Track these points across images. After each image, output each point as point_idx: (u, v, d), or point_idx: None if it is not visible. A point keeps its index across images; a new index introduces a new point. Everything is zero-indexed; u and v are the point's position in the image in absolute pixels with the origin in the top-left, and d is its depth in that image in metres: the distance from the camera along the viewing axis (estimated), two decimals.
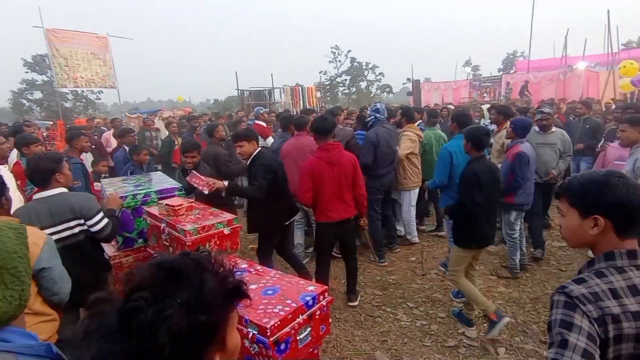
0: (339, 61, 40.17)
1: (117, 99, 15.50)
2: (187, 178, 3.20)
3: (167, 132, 11.06)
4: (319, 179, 3.27)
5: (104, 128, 9.68)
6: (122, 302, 0.63)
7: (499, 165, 4.32)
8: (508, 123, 4.79)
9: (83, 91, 30.55)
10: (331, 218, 3.37)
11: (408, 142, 4.67)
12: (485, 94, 20.70)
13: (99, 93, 28.39)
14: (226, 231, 2.54)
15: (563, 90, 16.45)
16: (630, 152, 3.39)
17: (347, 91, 41.17)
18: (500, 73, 27.97)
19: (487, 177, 3.01)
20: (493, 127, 5.63)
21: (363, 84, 41.01)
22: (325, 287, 1.86)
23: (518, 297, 3.71)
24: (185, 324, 0.60)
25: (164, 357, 0.59)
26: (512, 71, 27.78)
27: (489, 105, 8.07)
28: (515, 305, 3.58)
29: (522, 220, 4.16)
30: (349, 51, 39.76)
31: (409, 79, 27.80)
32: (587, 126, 5.94)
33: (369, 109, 5.10)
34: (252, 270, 2.15)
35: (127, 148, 5.51)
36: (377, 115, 4.55)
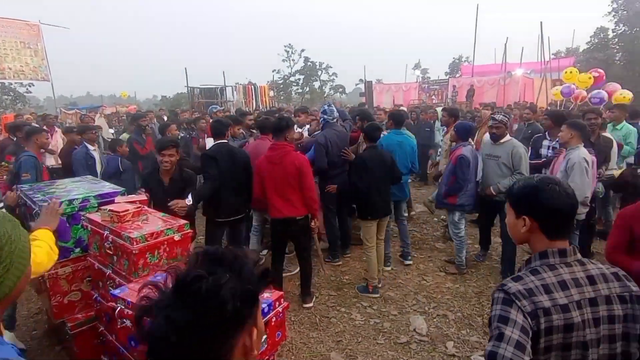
0: (293, 60, 40.05)
1: (50, 92, 14.26)
2: (111, 208, 2.53)
3: (112, 131, 10.40)
4: (263, 176, 3.49)
5: (36, 125, 8.84)
6: (181, 278, 0.71)
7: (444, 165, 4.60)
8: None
9: (11, 83, 27.77)
10: (275, 214, 3.53)
11: None
12: (433, 96, 21.72)
13: (30, 86, 25.90)
14: (176, 237, 2.41)
15: (503, 94, 17.67)
16: (565, 153, 3.68)
17: (300, 90, 41.13)
18: (448, 76, 29.38)
19: (375, 163, 3.78)
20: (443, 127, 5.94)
21: (317, 84, 41.19)
22: (281, 293, 1.84)
23: (464, 292, 3.92)
24: (239, 288, 0.71)
25: (226, 315, 0.69)
26: (458, 75, 29.32)
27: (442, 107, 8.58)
28: (461, 299, 3.78)
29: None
30: (302, 50, 39.76)
31: (361, 80, 28.38)
32: (530, 131, 6.38)
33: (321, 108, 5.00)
34: None
35: (88, 145, 5.19)
36: (325, 117, 4.51)
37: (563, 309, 1.11)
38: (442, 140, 5.90)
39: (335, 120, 4.56)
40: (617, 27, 25.44)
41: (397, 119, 4.66)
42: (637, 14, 23.97)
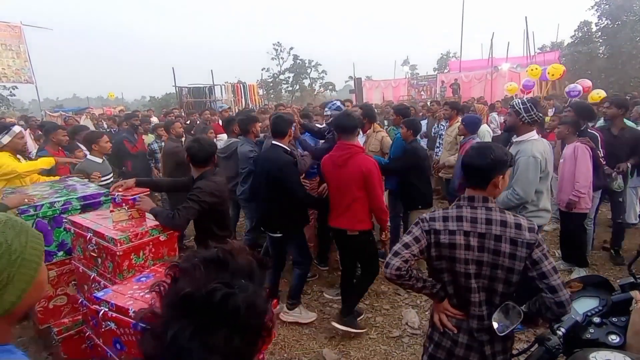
0: (282, 58, 39.83)
1: (36, 95, 13.97)
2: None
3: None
4: (326, 178, 3.21)
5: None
6: (205, 296, 0.66)
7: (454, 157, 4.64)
8: (459, 118, 5.04)
9: None
10: (332, 222, 3.18)
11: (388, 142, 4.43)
12: (422, 92, 21.81)
13: (13, 89, 25.36)
14: (162, 237, 2.37)
15: (490, 88, 17.79)
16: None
17: (290, 88, 40.96)
18: (436, 72, 29.50)
19: (423, 154, 4.09)
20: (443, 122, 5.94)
21: (306, 82, 41.05)
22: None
23: None
24: (262, 293, 0.73)
25: (264, 321, 0.71)
26: (446, 70, 29.46)
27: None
28: None
29: None
30: (291, 48, 39.55)
31: (351, 77, 28.34)
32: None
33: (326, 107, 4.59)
34: None
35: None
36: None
37: (450, 232, 1.60)
38: (442, 133, 5.87)
39: None
40: (600, 20, 25.77)
41: (404, 112, 4.57)
42: (619, 7, 24.31)
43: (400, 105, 6.27)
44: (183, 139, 5.40)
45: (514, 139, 3.17)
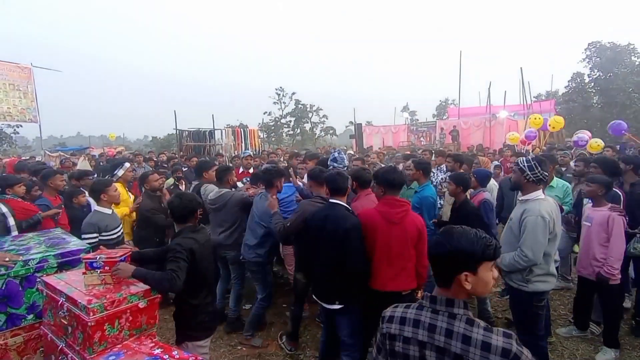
0: (284, 103, 40.91)
1: (41, 132, 14.15)
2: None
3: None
4: (369, 236, 2.85)
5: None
6: None
7: None
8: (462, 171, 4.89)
9: None
10: (377, 286, 2.87)
11: None
12: (422, 138, 22.11)
13: (17, 126, 25.76)
14: (142, 304, 2.15)
15: (489, 136, 18.03)
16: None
17: (291, 132, 41.70)
18: (435, 119, 30.10)
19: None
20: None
21: (307, 126, 41.88)
22: None
23: None
24: None
25: None
26: (445, 117, 30.09)
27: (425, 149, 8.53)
28: None
29: None
30: (293, 93, 40.73)
31: (351, 122, 28.89)
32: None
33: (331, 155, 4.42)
34: (165, 357, 1.80)
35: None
36: (335, 165, 4.08)
37: (405, 340, 1.33)
38: (446, 186, 5.68)
39: (345, 169, 4.08)
40: (592, 72, 26.71)
41: (426, 168, 4.27)
42: (609, 60, 25.32)
43: (421, 160, 4.91)
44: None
45: (519, 197, 3.06)
